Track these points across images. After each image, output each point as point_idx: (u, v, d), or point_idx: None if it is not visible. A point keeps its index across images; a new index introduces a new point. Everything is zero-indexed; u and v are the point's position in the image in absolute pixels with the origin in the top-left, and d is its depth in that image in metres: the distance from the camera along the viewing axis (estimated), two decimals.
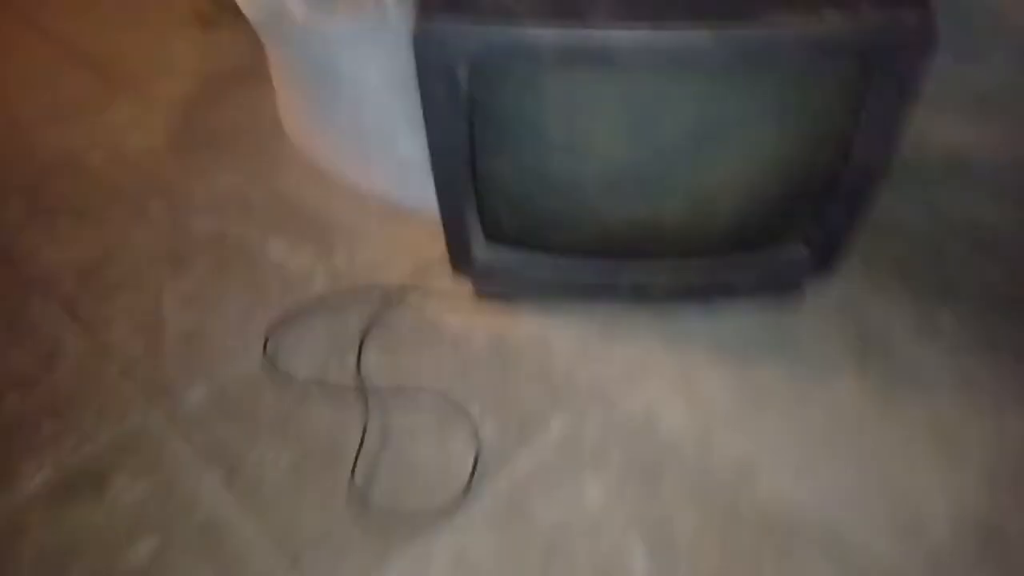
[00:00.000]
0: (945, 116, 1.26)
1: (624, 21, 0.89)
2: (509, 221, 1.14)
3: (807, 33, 0.88)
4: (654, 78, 0.96)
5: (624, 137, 1.03)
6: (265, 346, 1.21)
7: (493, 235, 1.16)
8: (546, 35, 0.90)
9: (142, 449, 1.09)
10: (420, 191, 1.38)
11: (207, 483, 1.05)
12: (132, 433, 1.12)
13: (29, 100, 1.83)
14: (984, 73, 1.18)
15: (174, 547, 0.98)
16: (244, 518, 1.01)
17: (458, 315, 1.26)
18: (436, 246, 1.19)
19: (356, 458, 1.06)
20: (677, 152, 1.04)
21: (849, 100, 0.95)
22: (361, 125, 1.40)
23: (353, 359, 1.19)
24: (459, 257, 1.18)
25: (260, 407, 1.14)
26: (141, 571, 0.96)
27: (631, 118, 1.01)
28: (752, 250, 1.17)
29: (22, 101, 1.82)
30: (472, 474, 1.03)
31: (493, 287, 1.27)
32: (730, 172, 1.06)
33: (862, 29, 0.88)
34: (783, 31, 0.88)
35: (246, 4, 1.35)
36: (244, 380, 1.18)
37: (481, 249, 1.17)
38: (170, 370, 1.20)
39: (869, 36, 0.88)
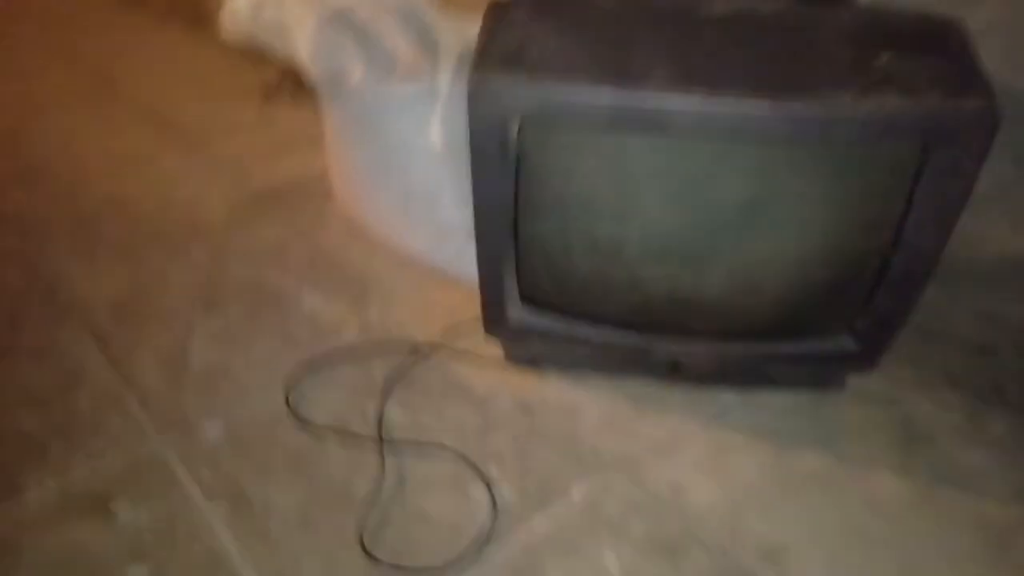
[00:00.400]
0: (1003, 220, 1.25)
1: (681, 86, 0.89)
2: (547, 283, 1.13)
3: (866, 113, 0.87)
4: (707, 146, 0.96)
5: (672, 206, 1.02)
6: (288, 391, 1.19)
7: (529, 297, 1.15)
8: (601, 95, 0.90)
9: (149, 478, 1.06)
10: (459, 256, 1.39)
11: (211, 517, 1.01)
12: (141, 462, 1.09)
13: (93, 148, 1.89)
14: None
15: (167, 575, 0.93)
16: (244, 556, 0.96)
17: (486, 377, 1.23)
18: (470, 309, 1.18)
19: (368, 507, 1.01)
20: (725, 225, 1.03)
21: (904, 184, 0.94)
22: (407, 188, 1.42)
23: (374, 410, 1.16)
24: (493, 317, 1.17)
25: (275, 449, 1.11)
26: None
27: (681, 187, 1.01)
28: (795, 337, 1.14)
29: (86, 148, 1.89)
30: (486, 534, 0.98)
31: (525, 352, 1.25)
32: (777, 250, 1.04)
33: (923, 112, 0.87)
34: (842, 109, 0.87)
35: (310, 62, 1.40)
36: (262, 421, 1.15)
37: (516, 310, 1.15)
38: (189, 405, 1.18)
39: (929, 119, 0.87)
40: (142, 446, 1.11)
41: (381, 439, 1.11)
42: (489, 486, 1.05)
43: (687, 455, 1.11)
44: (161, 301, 1.39)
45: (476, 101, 0.93)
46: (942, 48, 0.90)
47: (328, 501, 1.03)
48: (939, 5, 1.13)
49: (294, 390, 1.20)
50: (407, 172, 1.41)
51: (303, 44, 1.41)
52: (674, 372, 1.18)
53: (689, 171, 0.99)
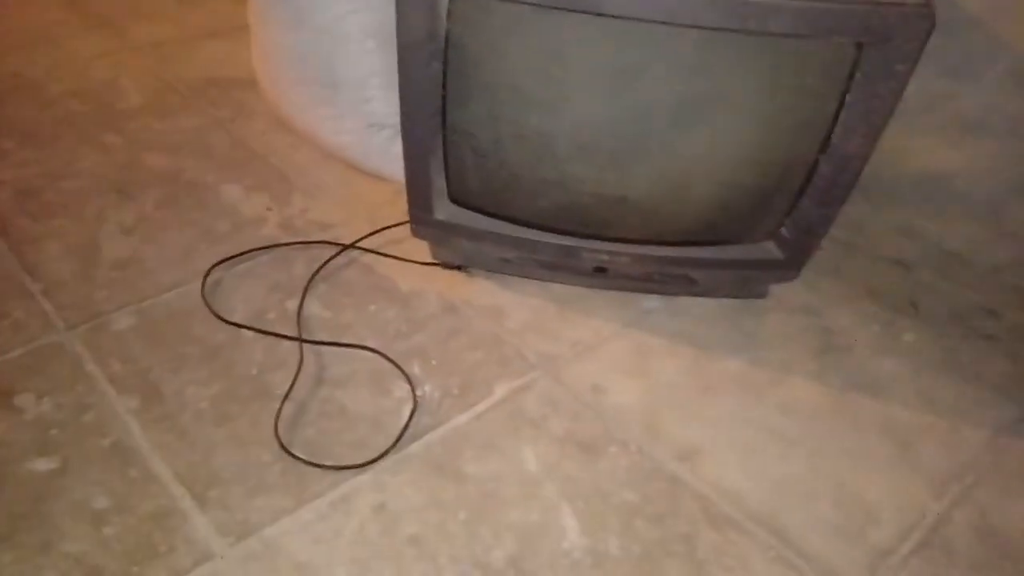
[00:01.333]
0: (927, 138, 1.25)
1: None
2: (475, 181, 1.10)
3: (806, 6, 0.85)
4: (642, 34, 0.92)
5: (603, 97, 0.99)
6: (204, 283, 1.15)
7: (457, 196, 1.12)
8: None
9: (54, 369, 1.02)
10: (387, 151, 1.35)
11: (120, 410, 0.98)
12: (47, 353, 1.04)
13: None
14: (972, 94, 1.17)
15: (73, 469, 0.90)
16: (154, 450, 0.93)
17: (411, 277, 1.21)
18: (397, 207, 1.15)
19: (283, 401, 0.99)
20: (655, 121, 1.00)
21: (836, 86, 0.93)
22: (335, 77, 1.36)
23: (294, 306, 1.13)
24: (420, 215, 1.13)
25: (189, 341, 1.07)
26: (34, 490, 0.88)
27: (613, 77, 0.98)
28: (720, 244, 1.14)
29: None
30: (404, 429, 0.97)
31: (450, 254, 1.22)
32: (706, 151, 1.02)
33: (862, 8, 0.85)
34: (779, 1, 0.85)
35: None
36: (176, 313, 1.11)
37: (443, 209, 1.12)
38: (99, 296, 1.13)
39: (866, 16, 0.86)
40: (47, 337, 1.06)
41: (300, 334, 1.09)
42: (411, 383, 1.04)
43: (608, 357, 1.11)
44: (70, 189, 1.32)
45: None
46: None
47: (243, 396, 1.01)
48: None
49: (210, 284, 1.15)
50: (335, 59, 1.34)
51: None
52: (599, 275, 1.17)
53: (622, 61, 0.96)
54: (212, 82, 1.64)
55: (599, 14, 0.87)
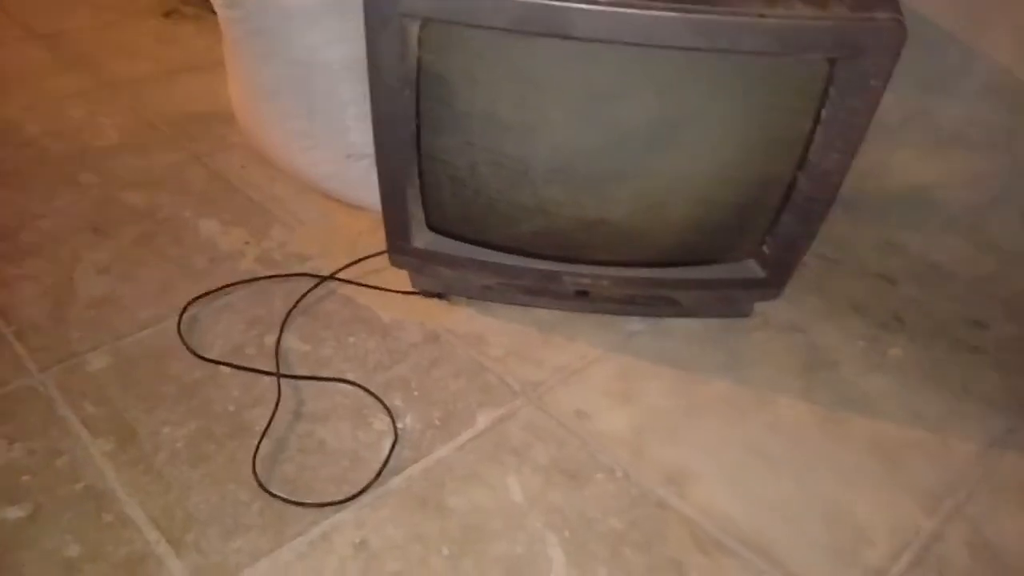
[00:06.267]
0: (906, 152, 1.25)
1: None
2: (452, 207, 1.09)
3: (774, 23, 0.84)
4: (614, 56, 0.92)
5: (576, 117, 0.98)
6: (180, 319, 1.13)
7: (435, 223, 1.11)
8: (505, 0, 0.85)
9: (27, 413, 1.00)
10: (365, 181, 1.34)
11: (94, 453, 0.95)
12: (17, 397, 1.02)
13: None
14: (950, 108, 1.17)
15: (45, 516, 0.88)
16: (128, 491, 0.91)
17: (391, 306, 1.19)
18: (376, 236, 1.13)
19: (261, 438, 0.97)
20: (631, 143, 1.00)
21: (811, 103, 0.92)
22: (311, 108, 1.35)
23: (272, 341, 1.12)
24: (398, 244, 1.12)
25: (165, 379, 1.05)
26: (3, 539, 0.85)
27: (587, 100, 0.97)
28: (701, 263, 1.13)
29: None
30: (385, 463, 0.95)
31: (430, 282, 1.21)
32: (684, 170, 1.02)
33: (830, 23, 0.85)
34: (750, 18, 0.84)
35: None
36: (152, 351, 1.09)
37: (422, 237, 1.11)
38: (72, 336, 1.11)
39: (837, 32, 0.86)
40: (20, 381, 1.04)
41: (279, 369, 1.07)
42: (391, 415, 1.02)
43: (593, 382, 1.09)
44: (46, 229, 1.30)
45: (372, 1, 0.87)
46: None
47: (220, 434, 0.98)
48: None
49: (187, 321, 1.14)
50: (310, 90, 1.33)
51: None
52: (582, 299, 1.16)
53: (596, 84, 0.95)
54: (190, 117, 1.63)
55: (569, 38, 0.86)
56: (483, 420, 1.03)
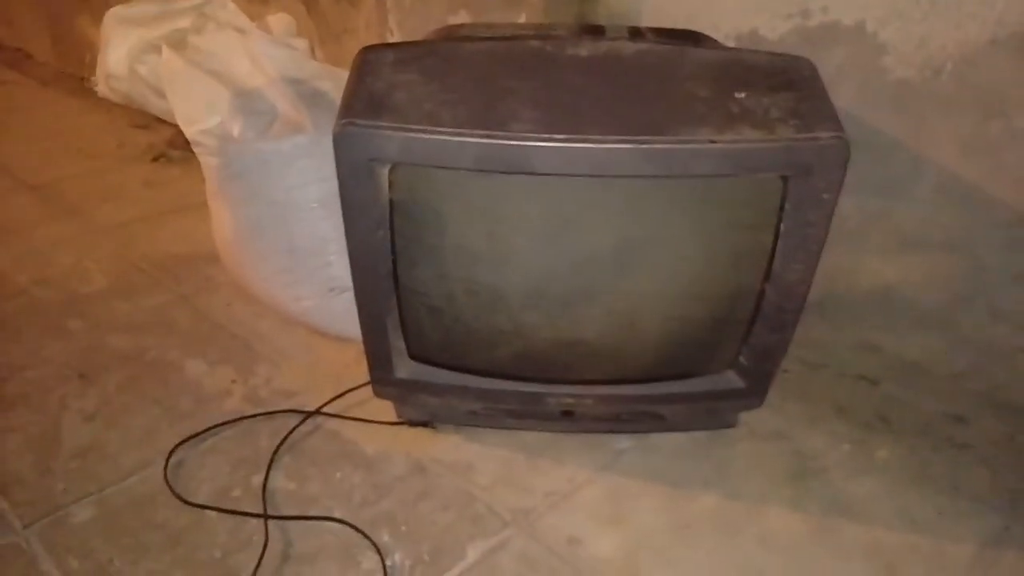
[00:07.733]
0: (872, 255, 1.28)
1: (544, 129, 0.89)
2: (432, 336, 1.11)
3: (724, 148, 0.88)
4: (575, 188, 0.96)
5: (545, 249, 1.02)
6: (166, 465, 1.13)
7: (416, 353, 1.12)
8: (466, 140, 0.89)
9: (9, 571, 0.98)
10: (348, 314, 1.36)
11: None
12: (1, 554, 1.00)
13: None
14: (907, 210, 1.21)
15: None
16: None
17: (376, 439, 1.19)
18: (362, 369, 1.14)
19: None
20: (599, 265, 1.02)
21: (769, 218, 0.96)
22: (292, 246, 1.39)
23: (259, 481, 1.11)
24: (381, 375, 1.14)
25: (151, 527, 1.04)
26: None
27: (552, 229, 1.01)
28: (681, 378, 1.14)
29: None
30: None
31: (415, 411, 1.22)
32: (652, 289, 1.04)
33: (778, 145, 0.89)
34: (701, 144, 0.88)
35: (185, 123, 1.36)
36: (138, 499, 1.09)
37: (404, 367, 1.13)
38: (57, 488, 1.10)
39: (784, 152, 0.90)
40: (3, 538, 1.03)
41: (265, 511, 1.06)
42: (380, 553, 1.01)
43: (582, 505, 1.09)
44: (32, 379, 1.31)
45: (343, 148, 0.91)
46: (794, 85, 0.93)
47: None
48: (796, 48, 1.19)
49: (173, 464, 1.13)
50: (291, 229, 1.37)
51: (178, 101, 1.38)
52: (567, 419, 1.17)
53: (559, 213, 0.99)
54: (176, 258, 1.67)
55: (531, 173, 0.90)
56: (473, 553, 1.01)
